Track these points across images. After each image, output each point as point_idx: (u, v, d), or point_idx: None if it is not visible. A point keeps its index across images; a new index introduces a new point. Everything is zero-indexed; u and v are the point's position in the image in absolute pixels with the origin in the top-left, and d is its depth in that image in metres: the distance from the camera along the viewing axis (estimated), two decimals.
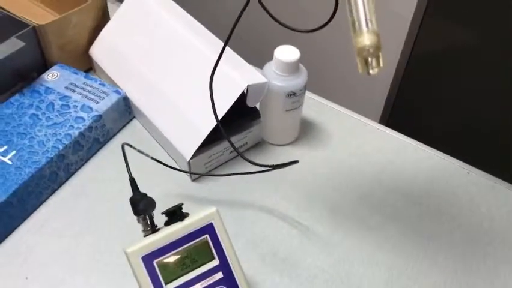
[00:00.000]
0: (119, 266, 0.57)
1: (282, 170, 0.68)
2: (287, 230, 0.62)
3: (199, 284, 0.46)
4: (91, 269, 0.57)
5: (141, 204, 0.46)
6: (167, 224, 0.47)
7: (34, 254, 0.59)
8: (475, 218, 0.64)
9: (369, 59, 0.40)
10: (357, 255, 0.60)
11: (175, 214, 0.47)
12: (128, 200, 0.48)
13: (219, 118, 0.61)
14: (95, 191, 0.65)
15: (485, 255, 0.60)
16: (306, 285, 0.57)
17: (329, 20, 0.49)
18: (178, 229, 0.46)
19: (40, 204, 0.63)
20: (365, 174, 0.69)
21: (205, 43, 0.68)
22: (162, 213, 0.47)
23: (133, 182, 0.48)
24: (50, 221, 0.62)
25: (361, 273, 0.58)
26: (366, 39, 0.39)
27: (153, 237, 0.45)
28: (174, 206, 0.48)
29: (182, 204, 0.48)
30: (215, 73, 0.57)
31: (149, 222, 0.47)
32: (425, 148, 0.72)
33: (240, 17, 0.47)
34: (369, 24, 0.40)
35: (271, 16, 0.54)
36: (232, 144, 0.58)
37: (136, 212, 0.46)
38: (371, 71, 0.40)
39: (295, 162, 0.58)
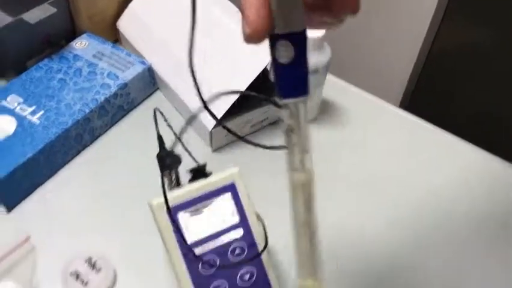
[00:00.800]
0: (140, 226, 0.58)
1: None
2: None
3: (220, 239, 0.47)
4: (112, 228, 0.59)
5: (167, 160, 0.48)
6: (191, 181, 0.48)
7: (57, 211, 0.60)
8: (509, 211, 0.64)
9: None
10: (371, 220, 0.61)
11: (200, 172, 0.48)
12: (154, 157, 0.49)
13: (242, 90, 0.63)
14: (119, 155, 0.67)
15: None
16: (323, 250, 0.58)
17: None
18: (202, 185, 0.47)
19: (65, 164, 0.65)
20: (382, 158, 0.69)
21: (231, 17, 0.69)
22: (187, 171, 0.48)
23: (160, 138, 0.49)
24: (74, 181, 0.63)
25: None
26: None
27: (178, 191, 0.47)
28: (199, 165, 0.49)
29: (206, 163, 0.49)
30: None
31: (174, 178, 0.48)
32: (447, 135, 0.73)
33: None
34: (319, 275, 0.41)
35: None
36: (228, 130, 0.61)
37: (162, 167, 0.48)
38: None
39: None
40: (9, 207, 0.59)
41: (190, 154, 0.51)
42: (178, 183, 0.48)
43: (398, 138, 0.72)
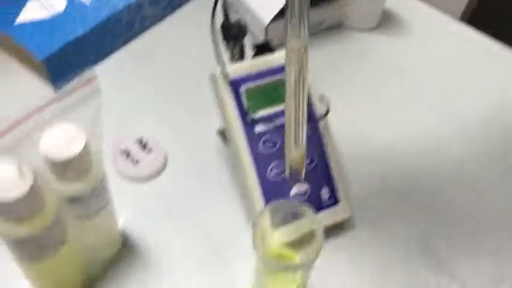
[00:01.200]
0: (192, 112, 0.56)
1: (359, 53, 0.66)
2: (360, 104, 0.60)
3: (282, 118, 0.44)
4: (163, 113, 0.57)
5: (233, 30, 0.45)
6: (255, 56, 0.46)
7: (105, 93, 0.58)
8: None
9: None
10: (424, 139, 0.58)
11: (265, 47, 0.45)
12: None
13: None
14: (169, 46, 0.64)
15: None
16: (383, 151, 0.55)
17: None
18: (268, 60, 0.44)
19: (115, 50, 0.62)
20: (439, 70, 0.66)
21: None
22: (251, 46, 0.45)
23: (224, 5, 0.46)
24: (124, 67, 0.61)
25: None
26: (296, 156, 0.41)
27: (242, 64, 0.44)
28: (260, 42, 0.46)
29: (271, 39, 0.46)
30: None
31: (237, 52, 0.45)
32: (507, 50, 0.68)
33: None
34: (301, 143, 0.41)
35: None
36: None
37: (227, 37, 0.45)
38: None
39: None
40: (57, 86, 0.57)
41: (252, 32, 0.48)
42: (241, 57, 0.45)
43: (457, 52, 0.68)
